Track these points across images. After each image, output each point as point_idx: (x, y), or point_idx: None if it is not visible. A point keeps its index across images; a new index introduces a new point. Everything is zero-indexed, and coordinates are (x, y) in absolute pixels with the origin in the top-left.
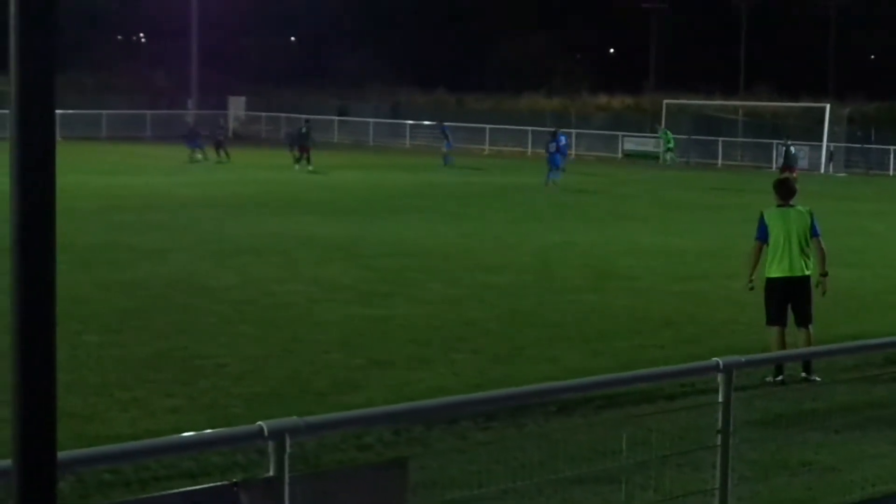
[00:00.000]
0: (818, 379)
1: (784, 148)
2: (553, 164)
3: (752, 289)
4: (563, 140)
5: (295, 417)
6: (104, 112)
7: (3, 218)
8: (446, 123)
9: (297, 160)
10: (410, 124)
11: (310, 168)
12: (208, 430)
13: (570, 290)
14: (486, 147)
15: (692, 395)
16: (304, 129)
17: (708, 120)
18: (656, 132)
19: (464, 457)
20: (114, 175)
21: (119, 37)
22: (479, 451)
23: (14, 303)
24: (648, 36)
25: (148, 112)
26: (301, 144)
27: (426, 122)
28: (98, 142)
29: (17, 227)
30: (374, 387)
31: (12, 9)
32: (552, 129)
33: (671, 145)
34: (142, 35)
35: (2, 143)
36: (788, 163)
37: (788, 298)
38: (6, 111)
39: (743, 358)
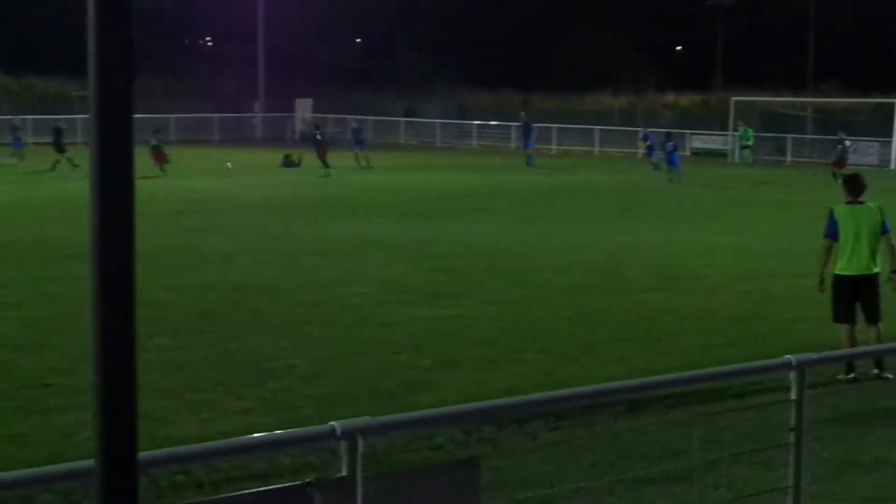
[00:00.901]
0: (890, 376)
1: (839, 142)
2: (672, 163)
3: (822, 291)
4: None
5: (367, 417)
6: (172, 116)
7: (76, 223)
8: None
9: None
10: (477, 125)
11: (330, 170)
12: (281, 431)
13: (637, 289)
14: (554, 147)
15: (762, 394)
16: (318, 136)
17: (776, 117)
18: (736, 129)
19: (534, 456)
20: (181, 178)
21: (186, 41)
22: (549, 450)
23: (95, 307)
24: (715, 33)
25: (215, 115)
26: (321, 148)
27: (493, 123)
28: (166, 146)
29: (96, 233)
30: (443, 387)
31: (90, 14)
32: (666, 131)
33: (750, 143)
34: (208, 39)
35: (81, 148)
36: (841, 157)
37: (857, 296)
38: (86, 116)
39: (815, 355)
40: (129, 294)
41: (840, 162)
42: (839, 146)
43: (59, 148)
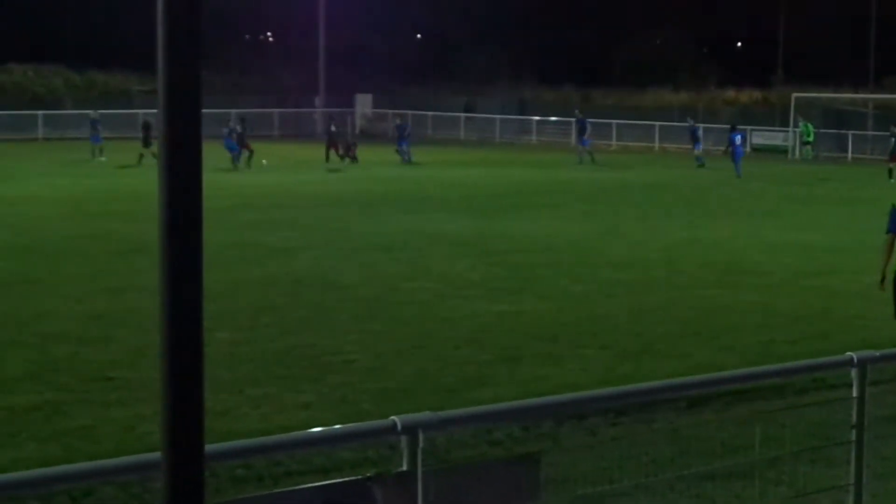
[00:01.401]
0: None
1: (893, 136)
2: (736, 156)
3: (883, 289)
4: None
5: (428, 412)
6: (232, 111)
7: (144, 216)
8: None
9: (342, 157)
10: (537, 120)
11: (347, 162)
12: (343, 426)
13: (698, 285)
14: (613, 142)
15: (823, 391)
16: (333, 128)
17: (837, 113)
18: (795, 125)
19: (594, 452)
20: (242, 173)
21: (247, 36)
22: (609, 446)
23: (163, 300)
24: (776, 28)
25: (276, 111)
26: (334, 141)
27: (552, 118)
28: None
29: (165, 225)
30: (503, 382)
31: (159, 9)
32: (731, 124)
33: (810, 139)
34: (269, 34)
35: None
36: (894, 151)
37: None
38: (147, 110)
39: (877, 352)
40: (196, 288)
41: (895, 156)
42: (893, 139)
43: (146, 142)
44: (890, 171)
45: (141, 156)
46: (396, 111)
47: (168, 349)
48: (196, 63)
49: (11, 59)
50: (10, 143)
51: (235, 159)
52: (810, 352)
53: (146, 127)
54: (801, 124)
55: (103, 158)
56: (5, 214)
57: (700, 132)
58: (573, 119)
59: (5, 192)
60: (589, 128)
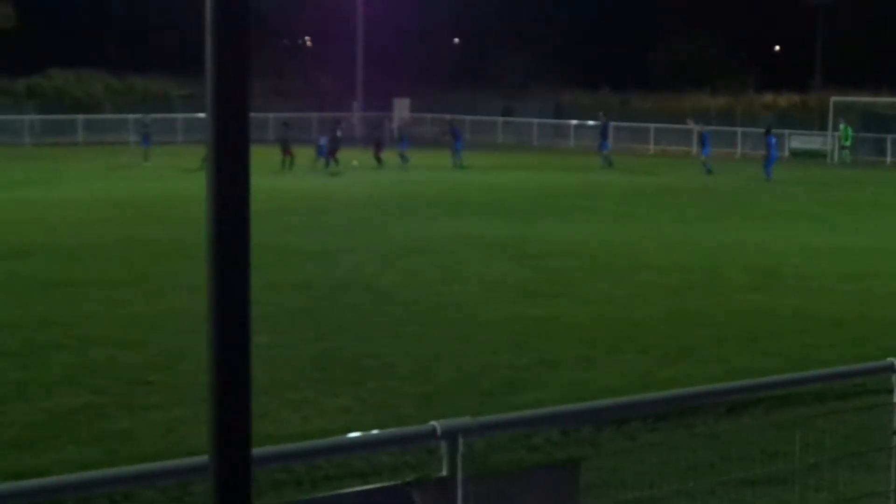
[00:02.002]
0: None
1: None
2: (769, 161)
3: None
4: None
5: (468, 417)
6: (270, 115)
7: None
8: (610, 122)
9: (327, 164)
10: (574, 124)
11: (332, 168)
12: (383, 430)
13: (737, 289)
14: (651, 146)
15: (863, 396)
16: (338, 133)
17: (876, 117)
18: (836, 128)
19: (634, 458)
20: (279, 177)
21: (285, 41)
22: (649, 451)
23: (211, 301)
24: (815, 32)
25: (314, 115)
26: (332, 147)
27: (590, 122)
28: (265, 144)
29: (213, 232)
30: (542, 387)
31: (207, 15)
32: (766, 128)
33: (848, 143)
34: (307, 39)
35: (180, 147)
36: None
37: None
38: (202, 115)
39: None
40: (244, 292)
41: None
42: None
43: (285, 147)
44: None
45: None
46: (448, 115)
47: (216, 353)
48: (244, 68)
49: (52, 65)
50: (51, 147)
51: (325, 163)
52: (850, 356)
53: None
54: (841, 127)
55: (148, 163)
56: (46, 218)
57: (709, 136)
58: (597, 123)
59: (46, 196)
60: (611, 132)
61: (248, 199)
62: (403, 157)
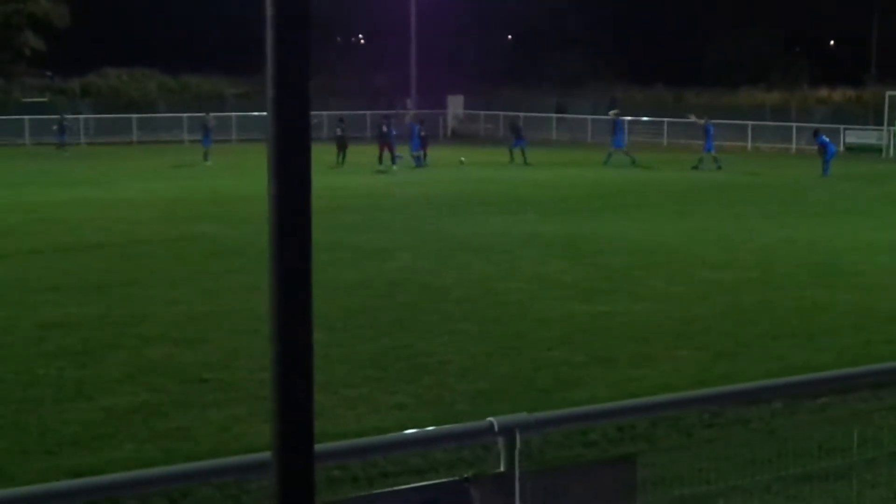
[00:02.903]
0: None
1: None
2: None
3: None
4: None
5: (524, 413)
6: (325, 113)
7: (238, 218)
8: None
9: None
10: (628, 120)
11: (382, 166)
12: (438, 427)
13: (793, 286)
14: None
15: None
16: (385, 128)
17: None
18: (891, 123)
19: (689, 453)
20: (335, 175)
21: (338, 38)
22: (705, 447)
23: (273, 299)
24: (870, 26)
25: (367, 113)
26: (339, 144)
27: (644, 119)
28: (320, 142)
29: (276, 229)
30: (598, 384)
31: (268, 14)
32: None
33: None
34: (361, 36)
35: (233, 145)
36: None
37: None
38: (256, 113)
39: None
40: (306, 290)
41: None
42: None
43: (342, 144)
44: None
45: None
46: (489, 112)
47: (278, 350)
48: (305, 67)
49: (106, 64)
50: (106, 147)
51: (417, 160)
52: None
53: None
54: None
55: (209, 163)
56: (101, 218)
57: (712, 130)
58: (685, 119)
59: (101, 196)
60: (625, 128)
61: (309, 198)
62: (415, 158)
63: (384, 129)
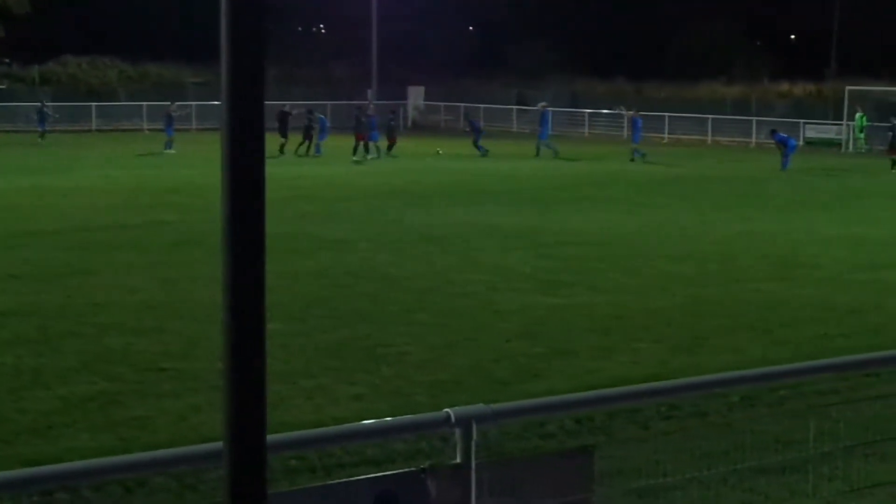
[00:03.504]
0: None
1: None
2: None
3: None
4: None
5: (481, 404)
6: (286, 103)
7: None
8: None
9: (298, 148)
10: (589, 113)
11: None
12: (396, 417)
13: (752, 279)
14: (666, 136)
15: (877, 385)
16: (392, 122)
17: (891, 106)
18: (851, 118)
19: (647, 446)
20: (296, 165)
21: (299, 28)
22: (662, 440)
23: (225, 289)
24: (831, 21)
25: (328, 103)
26: (305, 134)
27: (604, 111)
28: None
29: (228, 220)
30: (556, 376)
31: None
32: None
33: (862, 133)
34: (322, 26)
35: (193, 134)
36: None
37: None
38: (217, 102)
39: None
40: (259, 280)
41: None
42: (889, 133)
43: (283, 132)
44: (893, 162)
45: (282, 146)
46: (449, 104)
47: (231, 340)
48: (260, 55)
49: (66, 52)
50: (66, 134)
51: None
52: (865, 346)
53: (283, 117)
54: (857, 116)
55: (172, 151)
56: (61, 205)
57: (641, 122)
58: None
59: (61, 184)
60: (550, 121)
61: (263, 186)
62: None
63: (362, 119)
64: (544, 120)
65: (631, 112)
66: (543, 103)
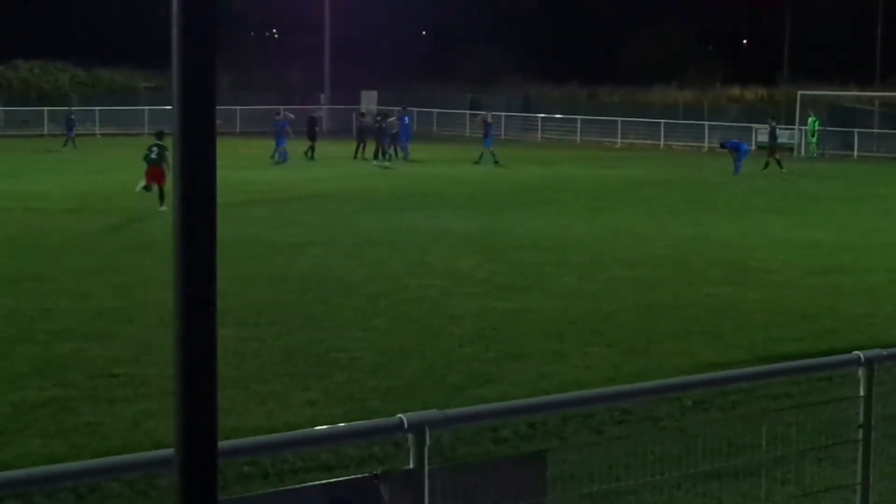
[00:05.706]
0: None
1: (769, 128)
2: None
3: None
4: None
5: (434, 410)
6: (238, 108)
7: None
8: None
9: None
10: (542, 117)
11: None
12: (350, 423)
13: (705, 283)
14: (619, 140)
15: (830, 389)
16: (381, 125)
17: (843, 111)
18: (803, 122)
19: (600, 450)
20: (249, 170)
21: (252, 33)
22: (615, 444)
23: (176, 295)
24: (783, 26)
25: (281, 107)
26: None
27: (558, 116)
28: (232, 137)
29: (179, 224)
30: (509, 380)
31: (174, 6)
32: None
33: (814, 137)
34: (275, 31)
35: (146, 139)
36: (773, 144)
37: None
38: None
39: (884, 351)
40: (210, 286)
41: (774, 149)
42: (770, 131)
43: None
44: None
45: (310, 149)
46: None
47: (182, 346)
48: (211, 59)
49: (17, 56)
50: (17, 140)
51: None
52: (817, 350)
53: (312, 122)
54: (809, 120)
55: (72, 148)
56: (12, 210)
57: (493, 129)
58: (582, 115)
59: (12, 188)
60: (493, 129)
61: (214, 191)
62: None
63: (382, 125)
64: (489, 129)
65: (489, 117)
66: (485, 114)
